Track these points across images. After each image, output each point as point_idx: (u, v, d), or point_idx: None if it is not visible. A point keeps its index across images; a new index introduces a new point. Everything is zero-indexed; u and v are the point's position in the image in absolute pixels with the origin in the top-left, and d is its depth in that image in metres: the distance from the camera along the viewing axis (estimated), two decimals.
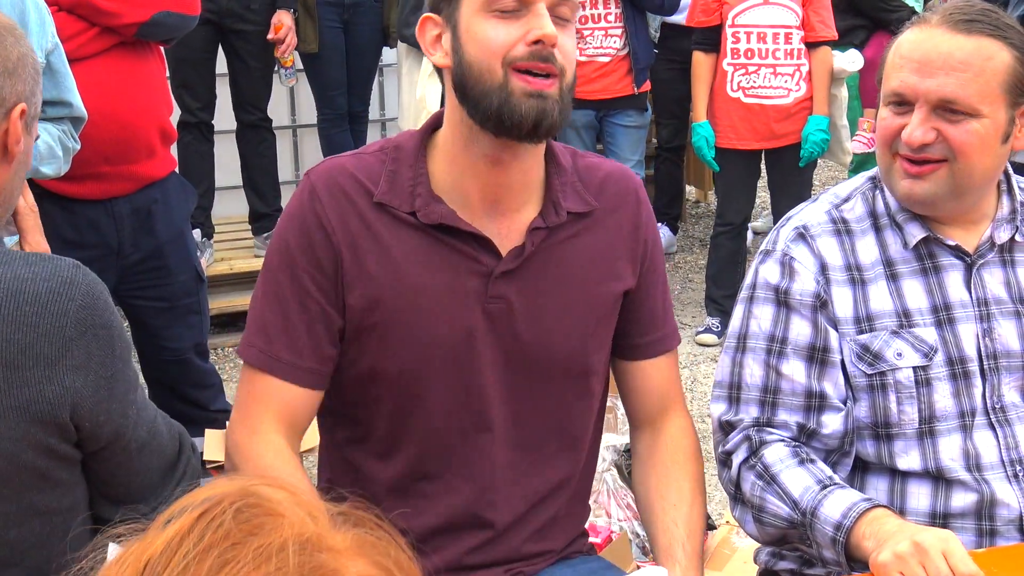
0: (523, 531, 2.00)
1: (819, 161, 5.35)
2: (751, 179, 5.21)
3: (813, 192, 5.30)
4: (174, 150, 3.62)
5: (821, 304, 2.01)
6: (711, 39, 5.10)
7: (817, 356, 2.00)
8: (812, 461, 1.96)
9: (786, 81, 4.99)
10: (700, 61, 5.12)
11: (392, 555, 0.92)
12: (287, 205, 1.95)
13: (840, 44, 5.19)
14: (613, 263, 1.99)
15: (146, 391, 3.50)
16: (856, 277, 2.02)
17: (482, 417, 1.94)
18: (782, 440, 2.00)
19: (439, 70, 1.91)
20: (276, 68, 5.46)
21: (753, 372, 2.04)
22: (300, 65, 5.67)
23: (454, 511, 1.97)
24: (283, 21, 5.30)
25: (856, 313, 2.00)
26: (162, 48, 3.60)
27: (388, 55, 6.54)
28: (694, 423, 2.15)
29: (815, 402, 2.01)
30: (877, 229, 2.05)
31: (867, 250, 2.03)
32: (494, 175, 1.88)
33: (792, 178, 5.13)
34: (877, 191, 2.07)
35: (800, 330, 2.01)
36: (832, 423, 1.99)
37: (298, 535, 0.87)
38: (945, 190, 1.96)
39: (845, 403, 2.00)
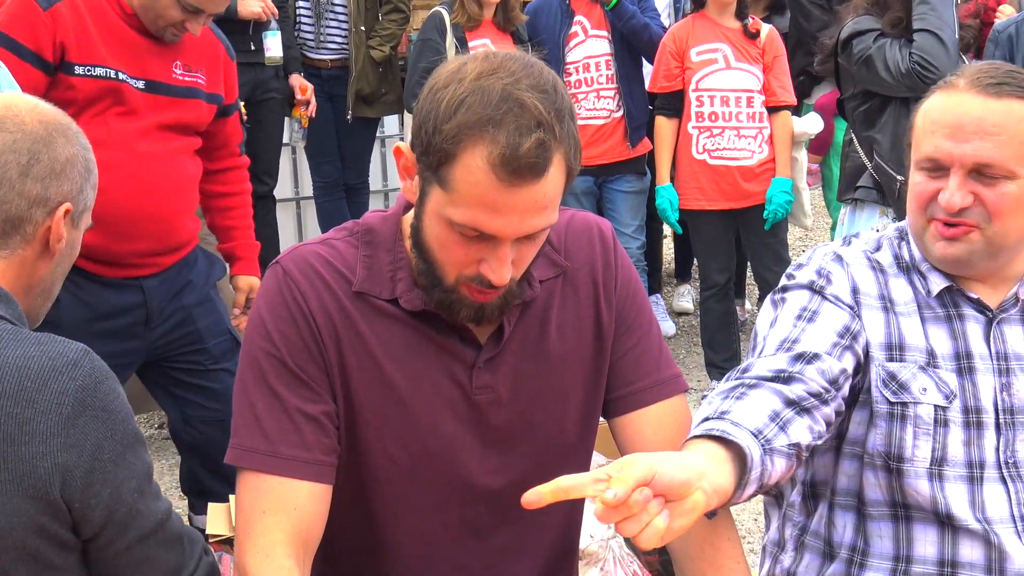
0: None
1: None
2: (727, 238, 5.06)
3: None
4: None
5: (855, 315, 1.88)
6: (673, 104, 4.97)
7: (845, 341, 1.85)
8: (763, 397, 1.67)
9: (749, 143, 4.86)
10: (663, 126, 4.98)
11: None
12: (259, 294, 1.74)
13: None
14: (590, 319, 1.80)
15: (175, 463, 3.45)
16: (889, 307, 1.91)
17: (473, 509, 1.78)
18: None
19: None
20: (295, 129, 5.29)
21: (779, 332, 1.85)
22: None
23: None
24: (305, 83, 5.25)
25: (888, 339, 1.89)
26: None
27: (389, 126, 6.34)
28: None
29: (827, 367, 1.78)
30: (905, 273, 1.95)
31: (900, 290, 1.94)
32: None
33: (767, 239, 4.96)
34: (902, 241, 1.99)
35: (834, 314, 1.88)
36: (834, 367, 1.77)
37: None
38: (980, 251, 1.87)
39: (840, 387, 1.80)
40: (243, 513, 1.66)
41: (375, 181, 6.21)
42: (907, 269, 1.95)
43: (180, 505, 3.67)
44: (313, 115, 5.33)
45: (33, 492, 1.55)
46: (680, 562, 1.79)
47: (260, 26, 4.92)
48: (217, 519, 3.10)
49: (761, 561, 2.08)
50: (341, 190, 5.72)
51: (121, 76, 3.03)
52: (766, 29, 4.87)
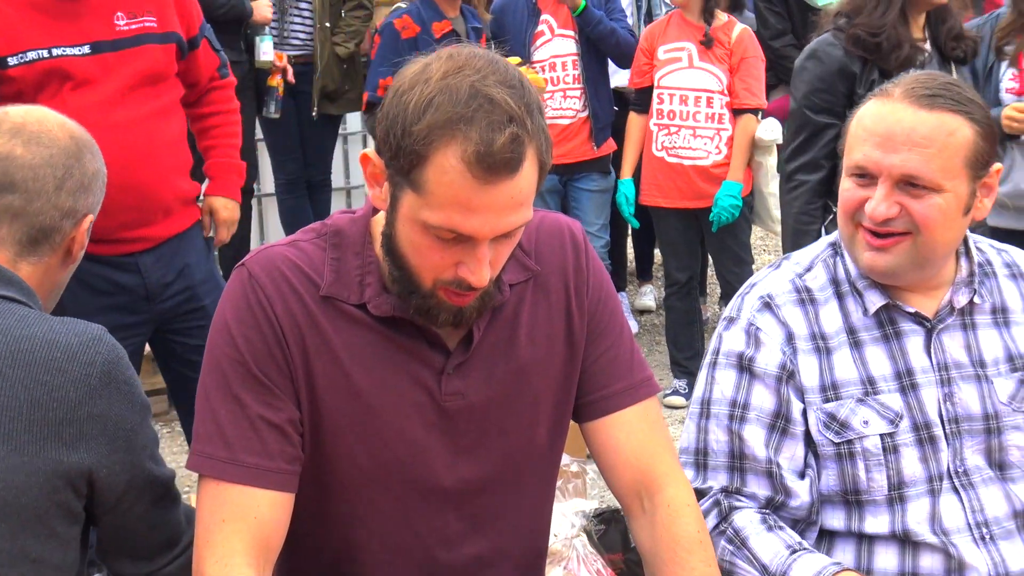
0: None
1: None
2: (688, 237, 5.02)
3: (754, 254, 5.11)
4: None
5: (788, 375, 1.90)
6: (644, 101, 4.98)
7: (779, 425, 1.90)
8: (781, 528, 1.87)
9: (706, 143, 4.85)
10: (633, 121, 5.01)
11: None
12: (224, 297, 1.69)
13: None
14: (564, 326, 1.77)
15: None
16: (821, 346, 1.92)
17: (442, 518, 1.74)
18: (751, 508, 1.90)
19: None
20: (271, 99, 5.21)
21: (718, 438, 1.93)
22: None
23: None
24: (280, 51, 5.21)
25: (822, 382, 1.90)
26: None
27: (352, 123, 6.29)
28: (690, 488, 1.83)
29: (776, 470, 1.89)
30: (839, 296, 1.95)
31: (830, 318, 1.93)
32: None
33: (726, 241, 4.94)
34: (837, 257, 1.98)
35: (762, 398, 1.90)
36: (802, 493, 1.89)
37: None
38: (907, 262, 1.87)
39: (803, 476, 1.90)
40: (203, 521, 1.62)
41: (337, 178, 6.16)
42: (842, 290, 1.94)
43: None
44: (293, 80, 5.26)
45: (55, 456, 1.63)
46: (651, 565, 1.77)
47: (253, 29, 4.88)
48: None
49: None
50: (303, 187, 5.66)
51: (57, 51, 2.92)
52: (738, 29, 4.83)
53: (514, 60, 3.82)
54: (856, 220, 1.88)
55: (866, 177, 1.85)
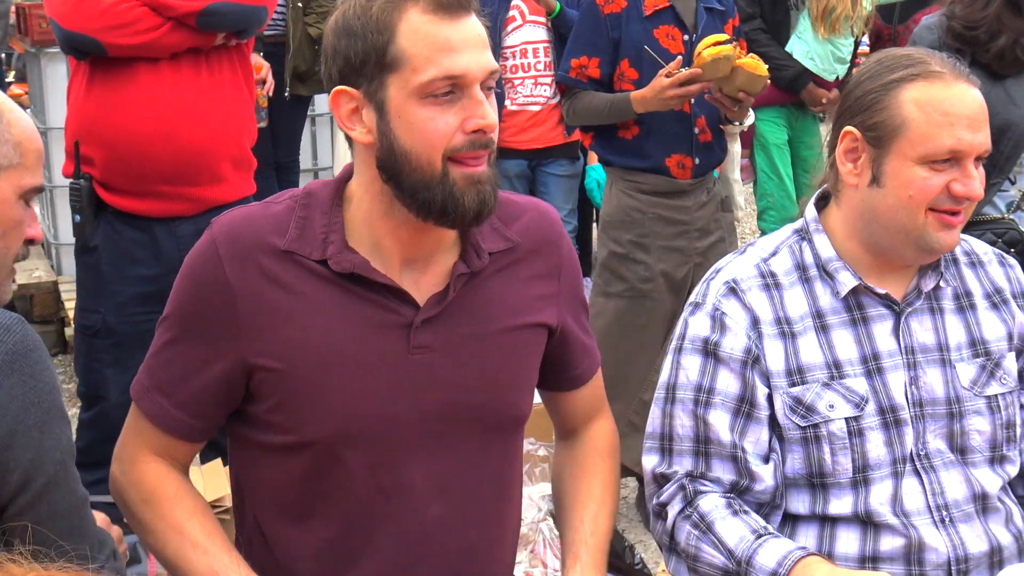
0: None
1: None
2: None
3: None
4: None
5: (753, 360, 1.92)
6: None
7: (743, 409, 1.92)
8: (746, 512, 1.90)
9: None
10: None
11: None
12: (188, 255, 1.77)
13: None
14: (536, 300, 1.83)
15: None
16: (786, 330, 1.93)
17: (407, 474, 1.75)
18: (716, 493, 1.93)
19: (349, 141, 1.72)
20: (256, 110, 5.18)
21: (683, 423, 1.95)
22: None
23: (383, 569, 1.77)
24: (260, 62, 5.12)
25: (788, 366, 1.92)
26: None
27: (320, 104, 6.25)
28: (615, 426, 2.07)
29: (740, 454, 1.91)
30: (806, 280, 1.97)
31: (796, 303, 1.95)
32: (415, 238, 1.72)
33: None
34: (804, 242, 2.00)
35: (727, 382, 1.92)
36: (766, 477, 1.91)
37: None
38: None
39: (767, 460, 1.92)
40: (123, 430, 1.83)
41: (305, 159, 6.13)
42: (809, 274, 1.96)
43: None
44: (271, 93, 5.22)
45: None
46: (563, 472, 1.98)
47: None
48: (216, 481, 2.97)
49: None
50: (271, 168, 5.62)
51: None
52: None
53: (721, 37, 3.65)
54: (932, 205, 1.86)
55: (947, 162, 1.85)
